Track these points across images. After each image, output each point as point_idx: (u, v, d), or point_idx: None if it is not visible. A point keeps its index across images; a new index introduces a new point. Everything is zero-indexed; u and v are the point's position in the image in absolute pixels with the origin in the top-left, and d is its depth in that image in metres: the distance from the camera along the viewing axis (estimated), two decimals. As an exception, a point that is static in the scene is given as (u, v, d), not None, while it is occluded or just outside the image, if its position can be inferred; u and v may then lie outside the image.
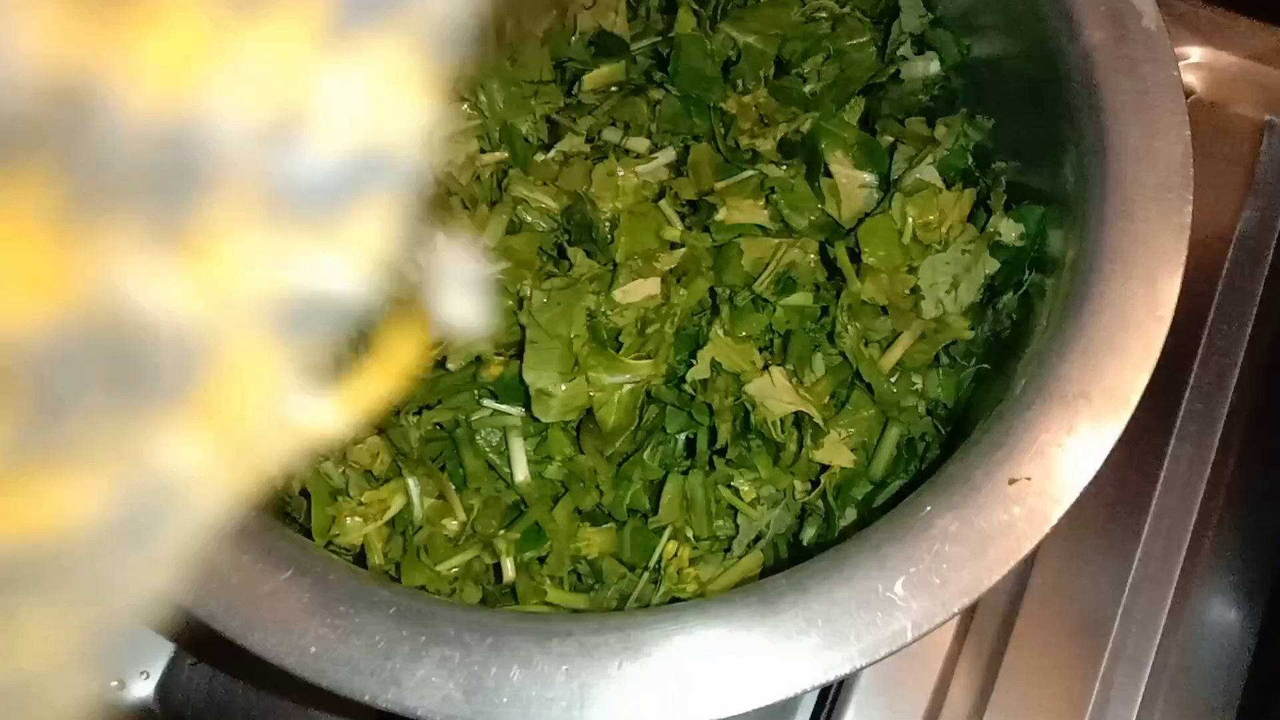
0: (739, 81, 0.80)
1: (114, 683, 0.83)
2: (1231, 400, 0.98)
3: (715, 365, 0.68)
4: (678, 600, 0.69)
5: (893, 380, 0.73)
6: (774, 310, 0.71)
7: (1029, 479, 0.59)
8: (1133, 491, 0.95)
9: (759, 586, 0.58)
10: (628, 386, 0.68)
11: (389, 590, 0.60)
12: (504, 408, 0.70)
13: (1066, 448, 0.60)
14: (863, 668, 0.56)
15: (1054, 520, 0.59)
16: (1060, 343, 0.62)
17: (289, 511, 0.73)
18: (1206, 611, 0.96)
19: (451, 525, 0.70)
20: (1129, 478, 0.95)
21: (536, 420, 0.68)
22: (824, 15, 0.82)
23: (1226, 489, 0.97)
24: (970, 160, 0.79)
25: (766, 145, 0.75)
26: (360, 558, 0.71)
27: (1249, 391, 0.99)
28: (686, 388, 0.69)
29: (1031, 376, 0.62)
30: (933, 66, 0.83)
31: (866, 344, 0.73)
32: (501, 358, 0.71)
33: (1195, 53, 1.09)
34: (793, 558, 0.72)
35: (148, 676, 0.84)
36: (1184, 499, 0.96)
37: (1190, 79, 1.08)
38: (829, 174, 0.74)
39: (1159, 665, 0.91)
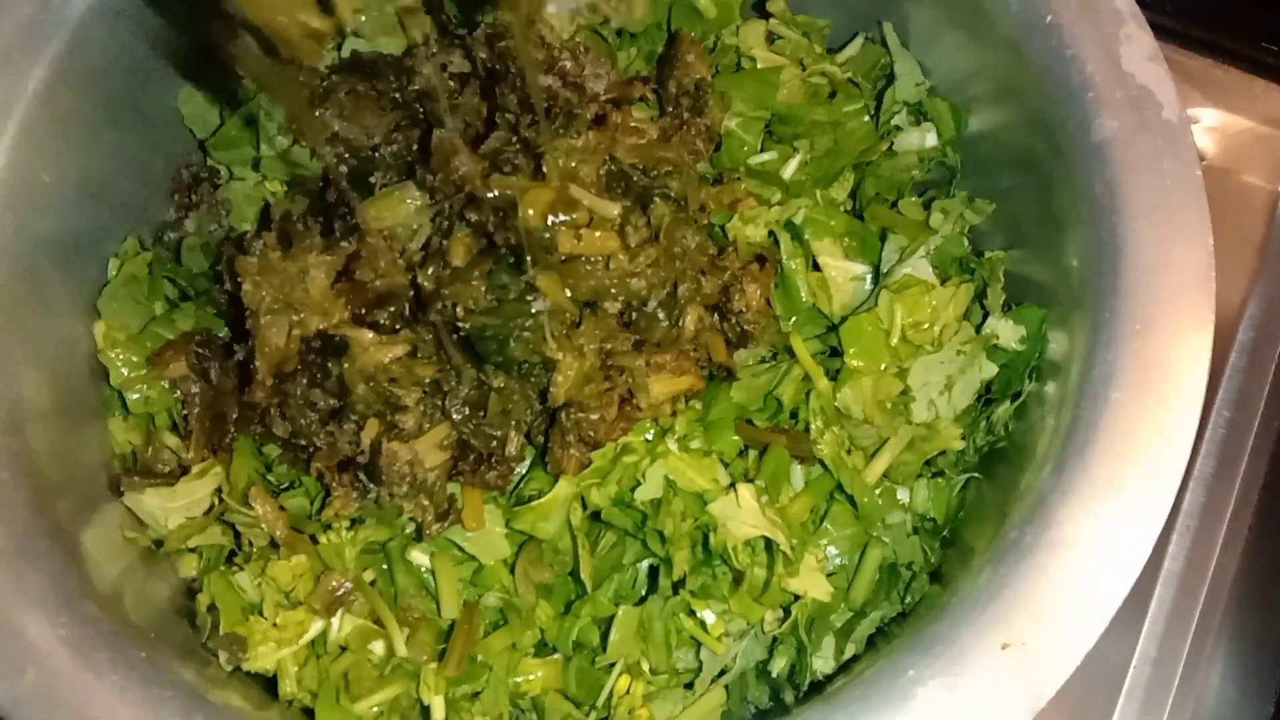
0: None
1: None
2: (1238, 492, 0.92)
3: (670, 484, 0.61)
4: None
5: (877, 493, 0.66)
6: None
7: (1024, 643, 0.52)
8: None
9: (718, 757, 0.51)
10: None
11: (295, 751, 0.52)
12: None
13: (1068, 606, 0.53)
14: None
15: (1051, 693, 0.52)
16: (1063, 481, 0.55)
17: (196, 625, 0.66)
18: (1213, 695, 0.90)
19: (378, 650, 0.62)
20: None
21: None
22: (823, 81, 0.74)
23: (1233, 583, 0.90)
24: (967, 247, 0.72)
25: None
26: (273, 679, 0.63)
27: (1255, 484, 0.93)
28: (638, 508, 0.61)
29: (1029, 518, 0.55)
30: (929, 138, 0.75)
31: (849, 452, 0.66)
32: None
33: (1206, 115, 1.01)
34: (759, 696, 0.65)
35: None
36: (1186, 595, 0.89)
37: (1200, 143, 1.00)
38: (817, 267, 0.67)
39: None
